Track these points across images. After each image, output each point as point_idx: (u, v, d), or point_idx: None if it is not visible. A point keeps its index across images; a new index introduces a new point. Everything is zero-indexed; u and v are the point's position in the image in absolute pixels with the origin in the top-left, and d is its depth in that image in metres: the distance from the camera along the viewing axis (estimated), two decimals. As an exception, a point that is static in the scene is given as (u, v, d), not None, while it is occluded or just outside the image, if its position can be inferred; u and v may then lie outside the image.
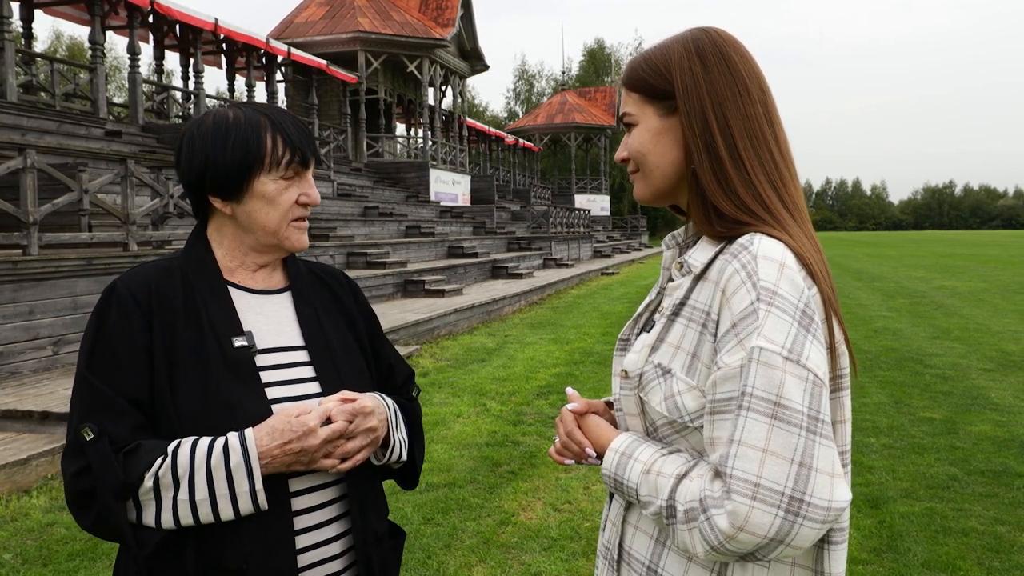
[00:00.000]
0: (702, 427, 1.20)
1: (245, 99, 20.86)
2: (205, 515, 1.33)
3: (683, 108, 1.27)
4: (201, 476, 1.32)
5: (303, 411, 1.39)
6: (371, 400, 1.49)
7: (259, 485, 1.34)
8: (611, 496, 1.39)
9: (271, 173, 1.47)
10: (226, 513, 1.34)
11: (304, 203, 1.52)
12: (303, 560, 1.43)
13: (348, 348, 1.60)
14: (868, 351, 10.39)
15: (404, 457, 1.61)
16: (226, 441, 1.35)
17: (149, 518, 1.34)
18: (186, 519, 1.33)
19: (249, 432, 1.36)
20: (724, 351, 1.15)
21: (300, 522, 1.44)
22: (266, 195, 1.48)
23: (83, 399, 1.38)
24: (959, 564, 4.01)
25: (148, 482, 1.32)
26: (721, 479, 1.11)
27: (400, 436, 1.58)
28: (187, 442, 1.36)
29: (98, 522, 1.34)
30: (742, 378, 1.11)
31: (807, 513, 1.06)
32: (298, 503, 1.44)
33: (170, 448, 1.34)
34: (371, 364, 1.66)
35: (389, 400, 1.59)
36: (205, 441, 1.35)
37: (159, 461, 1.33)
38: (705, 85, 1.26)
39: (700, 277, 1.25)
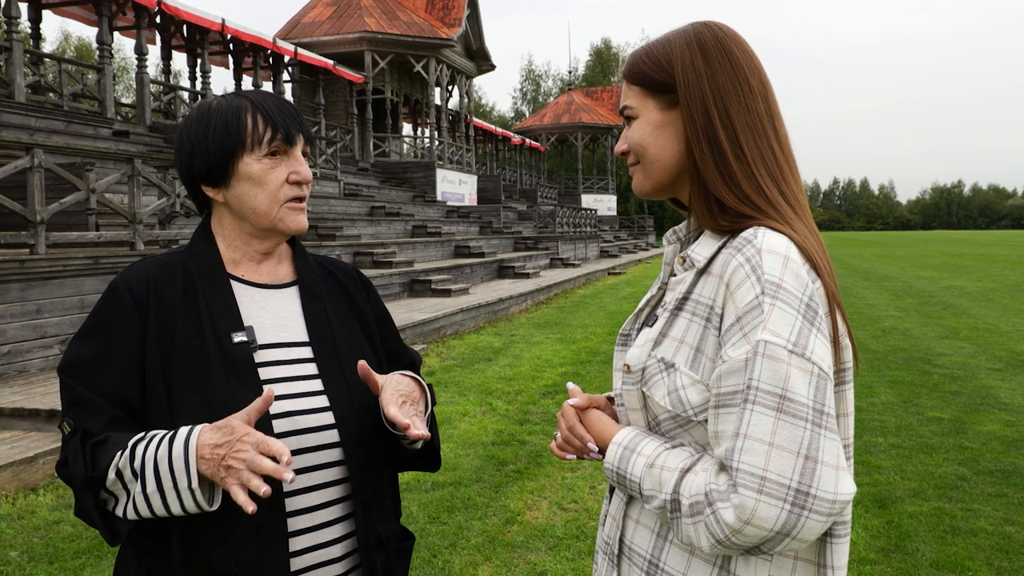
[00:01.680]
0: (706, 421, 1.19)
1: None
2: (158, 507, 1.28)
3: (684, 101, 1.26)
4: (150, 468, 1.28)
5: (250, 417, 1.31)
6: (404, 387, 1.48)
7: (195, 483, 1.26)
8: (611, 491, 1.38)
9: (254, 153, 1.45)
10: (175, 508, 1.28)
11: (295, 181, 1.48)
12: (300, 563, 1.39)
13: (355, 344, 1.56)
14: (876, 351, 10.34)
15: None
16: (174, 434, 1.30)
17: (120, 508, 1.32)
18: (144, 511, 1.29)
19: (199, 427, 1.30)
20: (729, 345, 1.14)
21: (297, 523, 1.40)
22: (252, 176, 1.45)
23: (64, 395, 1.39)
24: (968, 564, 3.98)
25: (111, 475, 1.30)
26: (727, 473, 1.11)
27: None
28: (150, 434, 1.33)
29: (76, 510, 1.37)
30: (747, 372, 1.11)
31: (813, 506, 1.06)
32: (295, 503, 1.40)
33: (132, 441, 1.32)
34: (381, 360, 1.62)
35: (415, 376, 1.57)
36: (162, 433, 1.32)
37: (119, 454, 1.30)
38: (707, 78, 1.26)
39: (703, 271, 1.24)
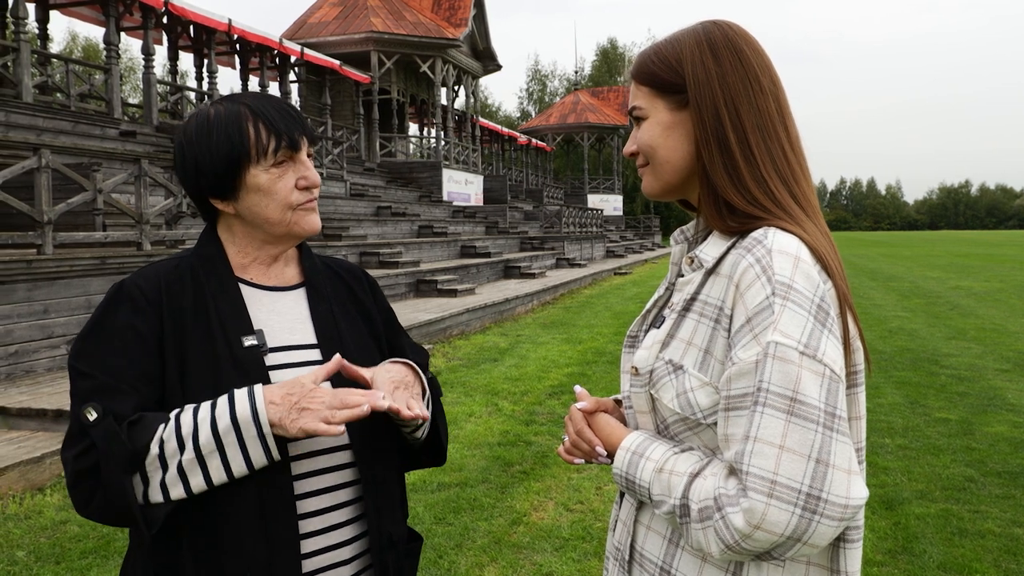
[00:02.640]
0: (715, 424, 1.18)
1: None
2: (216, 469, 1.28)
3: (694, 102, 1.25)
4: (206, 429, 1.28)
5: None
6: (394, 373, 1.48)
7: (266, 428, 1.28)
8: (621, 495, 1.37)
9: (260, 164, 1.42)
10: (236, 466, 1.29)
11: (304, 186, 1.46)
12: (311, 564, 1.39)
13: (363, 346, 1.56)
14: (883, 351, 10.31)
15: (427, 429, 1.55)
16: (231, 392, 1.31)
17: (155, 492, 1.28)
18: (196, 479, 1.27)
19: (257, 384, 1.34)
20: (739, 346, 1.13)
21: (308, 525, 1.39)
22: (260, 187, 1.43)
23: (83, 383, 1.33)
24: (975, 566, 3.97)
25: (154, 449, 1.27)
26: (736, 476, 1.09)
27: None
28: (190, 405, 1.32)
29: (104, 504, 1.27)
30: (757, 373, 1.09)
31: (824, 510, 1.04)
32: (306, 505, 1.39)
33: (173, 414, 1.31)
34: None
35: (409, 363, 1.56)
36: (208, 401, 1.32)
37: (162, 426, 1.29)
38: (717, 79, 1.24)
39: (712, 272, 1.23)
